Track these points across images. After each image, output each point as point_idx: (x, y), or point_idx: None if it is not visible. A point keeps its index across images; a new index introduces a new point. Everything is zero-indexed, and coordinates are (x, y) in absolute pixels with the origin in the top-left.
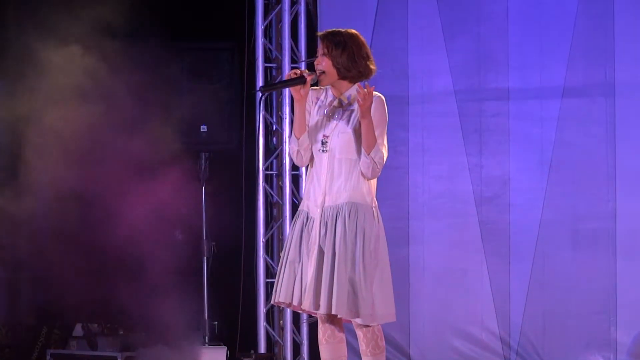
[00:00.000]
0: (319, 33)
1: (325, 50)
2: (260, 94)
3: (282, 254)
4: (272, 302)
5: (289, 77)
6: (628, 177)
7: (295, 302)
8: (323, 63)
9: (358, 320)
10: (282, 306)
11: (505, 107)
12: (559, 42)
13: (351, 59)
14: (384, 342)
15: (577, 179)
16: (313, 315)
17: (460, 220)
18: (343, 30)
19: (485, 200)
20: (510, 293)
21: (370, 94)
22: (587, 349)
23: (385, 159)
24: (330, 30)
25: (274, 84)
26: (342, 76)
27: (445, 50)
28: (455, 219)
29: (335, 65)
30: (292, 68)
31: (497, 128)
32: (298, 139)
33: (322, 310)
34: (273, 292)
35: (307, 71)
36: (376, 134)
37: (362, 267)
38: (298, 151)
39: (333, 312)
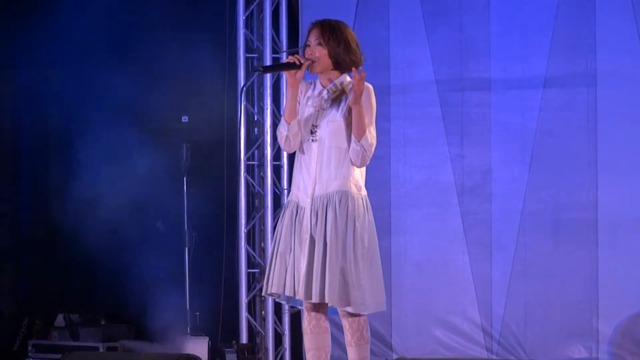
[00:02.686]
0: (314, 22)
1: (322, 39)
2: (258, 73)
3: (271, 246)
4: (263, 293)
5: (288, 61)
6: (609, 167)
7: (287, 293)
8: (317, 52)
9: (349, 309)
10: (274, 297)
11: (487, 97)
12: (540, 32)
13: (347, 49)
14: (369, 334)
15: (559, 169)
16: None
17: (441, 210)
18: (333, 20)
19: (466, 190)
20: (492, 283)
21: (362, 79)
22: (569, 339)
23: (374, 147)
24: (323, 19)
25: (272, 66)
26: (335, 66)
27: (427, 40)
28: (436, 209)
29: (331, 55)
30: (274, 59)
31: (479, 118)
32: (288, 124)
33: (314, 299)
34: (264, 283)
35: (304, 58)
36: (365, 122)
37: (352, 255)
38: (287, 136)
39: (325, 301)
